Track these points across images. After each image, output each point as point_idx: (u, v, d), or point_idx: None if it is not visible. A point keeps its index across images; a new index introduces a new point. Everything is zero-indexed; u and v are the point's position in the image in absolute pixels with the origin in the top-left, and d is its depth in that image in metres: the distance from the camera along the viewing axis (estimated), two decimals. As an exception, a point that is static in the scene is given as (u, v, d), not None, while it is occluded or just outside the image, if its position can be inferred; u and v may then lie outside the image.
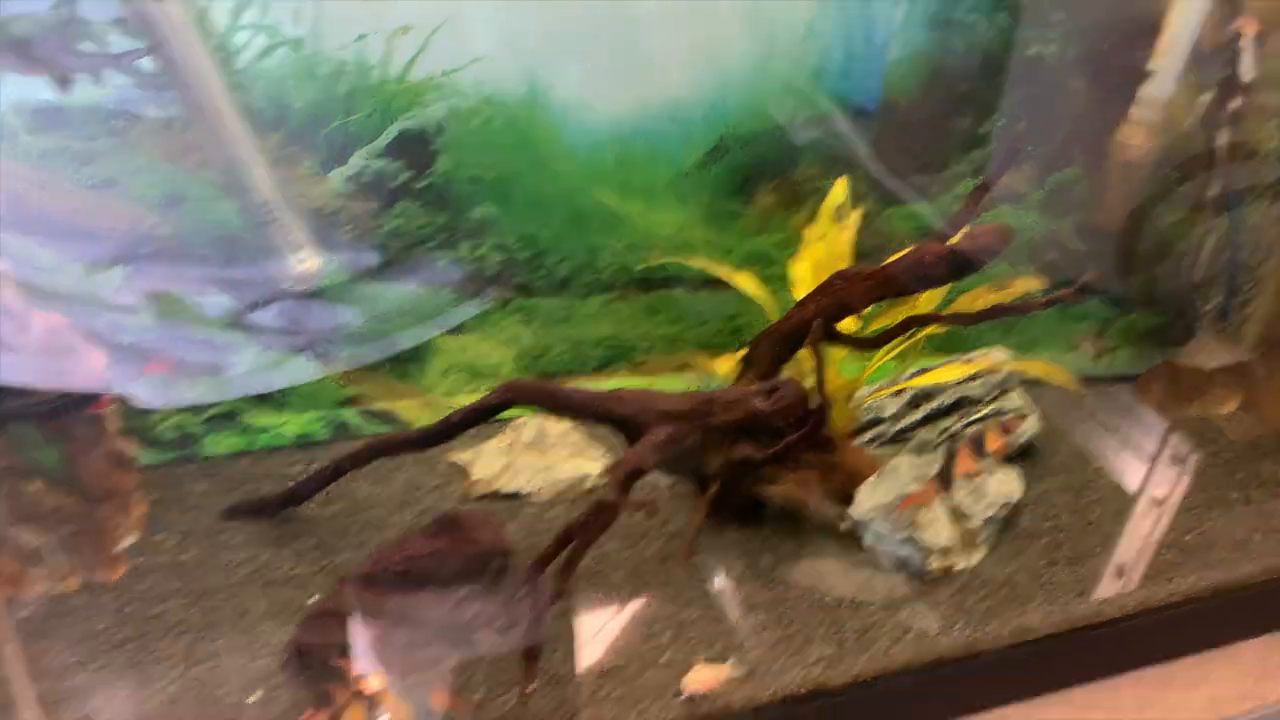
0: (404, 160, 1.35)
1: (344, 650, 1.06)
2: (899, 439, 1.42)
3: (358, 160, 1.33)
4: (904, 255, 1.18)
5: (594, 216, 1.44)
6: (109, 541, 1.11)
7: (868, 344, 1.22)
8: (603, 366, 1.50)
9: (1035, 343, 1.69)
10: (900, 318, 1.23)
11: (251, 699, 1.00)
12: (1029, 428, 1.44)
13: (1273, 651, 1.29)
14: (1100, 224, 1.65)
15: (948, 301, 1.35)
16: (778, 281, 1.44)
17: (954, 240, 1.16)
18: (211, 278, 1.27)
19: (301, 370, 1.36)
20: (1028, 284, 1.35)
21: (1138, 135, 1.59)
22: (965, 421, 1.41)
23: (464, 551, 1.13)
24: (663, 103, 1.45)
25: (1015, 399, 1.46)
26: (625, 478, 1.13)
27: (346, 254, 1.32)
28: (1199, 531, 1.35)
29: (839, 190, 1.39)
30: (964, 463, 1.27)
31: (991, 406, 1.43)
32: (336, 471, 1.21)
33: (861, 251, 1.37)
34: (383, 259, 1.35)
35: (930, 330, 1.39)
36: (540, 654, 1.08)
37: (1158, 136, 1.58)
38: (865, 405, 1.44)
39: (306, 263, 1.20)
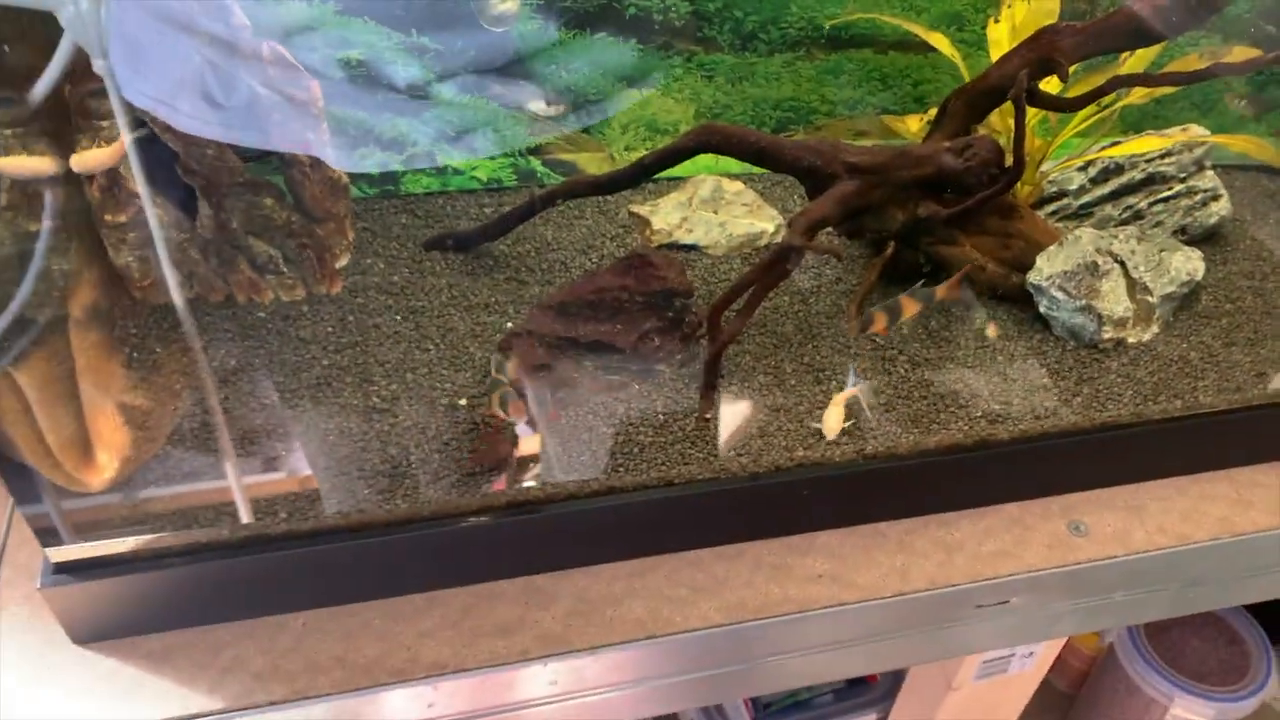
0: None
1: (538, 369, 1.15)
2: (1082, 214, 1.40)
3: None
4: (1119, 9, 1.12)
5: (786, -33, 1.41)
6: (329, 259, 1.21)
7: (1069, 105, 1.18)
8: (780, 129, 1.49)
9: (1232, 128, 1.60)
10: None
11: (461, 402, 1.11)
12: (1219, 209, 1.39)
13: None
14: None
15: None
16: (968, 47, 1.40)
17: (1176, -7, 1.10)
18: (407, 42, 1.30)
19: (484, 143, 1.40)
20: (1246, 54, 1.27)
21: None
22: (1153, 200, 1.38)
23: (650, 288, 1.19)
24: None
25: (1209, 179, 1.40)
26: (808, 226, 1.16)
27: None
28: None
29: (1046, -54, 1.32)
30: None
31: (1183, 186, 1.38)
32: (530, 210, 1.28)
33: (1065, 17, 1.31)
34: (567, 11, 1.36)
35: (1127, 102, 1.34)
36: (717, 386, 1.15)
37: None
38: (1050, 178, 1.41)
39: (507, 3, 1.22)
